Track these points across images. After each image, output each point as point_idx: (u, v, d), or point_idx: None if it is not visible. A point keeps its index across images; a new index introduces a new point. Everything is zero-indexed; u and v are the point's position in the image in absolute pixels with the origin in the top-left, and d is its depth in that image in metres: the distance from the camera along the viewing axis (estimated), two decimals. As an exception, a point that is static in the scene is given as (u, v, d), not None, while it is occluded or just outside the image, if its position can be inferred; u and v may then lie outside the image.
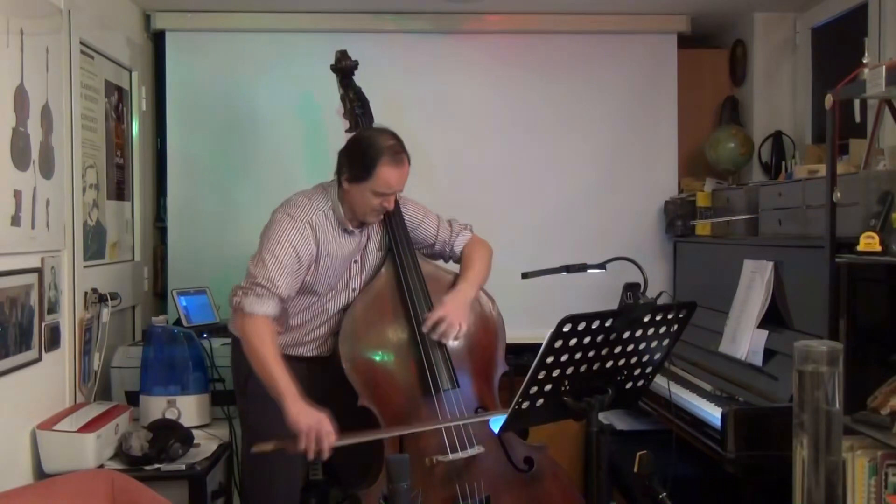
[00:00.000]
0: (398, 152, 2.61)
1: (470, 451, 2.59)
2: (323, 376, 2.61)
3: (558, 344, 1.99)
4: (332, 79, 3.04)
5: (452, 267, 2.90)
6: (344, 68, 3.01)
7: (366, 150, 2.61)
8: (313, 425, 2.41)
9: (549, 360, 2.01)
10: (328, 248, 2.67)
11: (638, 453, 2.22)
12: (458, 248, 2.89)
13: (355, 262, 2.77)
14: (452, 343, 2.73)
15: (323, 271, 2.69)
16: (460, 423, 2.62)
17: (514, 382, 3.56)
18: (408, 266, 2.75)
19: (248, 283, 2.58)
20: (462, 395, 2.68)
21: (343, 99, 3.01)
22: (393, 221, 2.78)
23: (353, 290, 2.78)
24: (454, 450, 2.58)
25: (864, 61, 2.50)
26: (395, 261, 2.76)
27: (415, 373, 2.67)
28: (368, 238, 2.79)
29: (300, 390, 2.48)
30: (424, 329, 2.66)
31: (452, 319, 2.65)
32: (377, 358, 2.68)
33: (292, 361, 2.71)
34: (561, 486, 2.70)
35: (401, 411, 2.63)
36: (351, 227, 2.71)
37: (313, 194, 2.72)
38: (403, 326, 2.71)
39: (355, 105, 2.98)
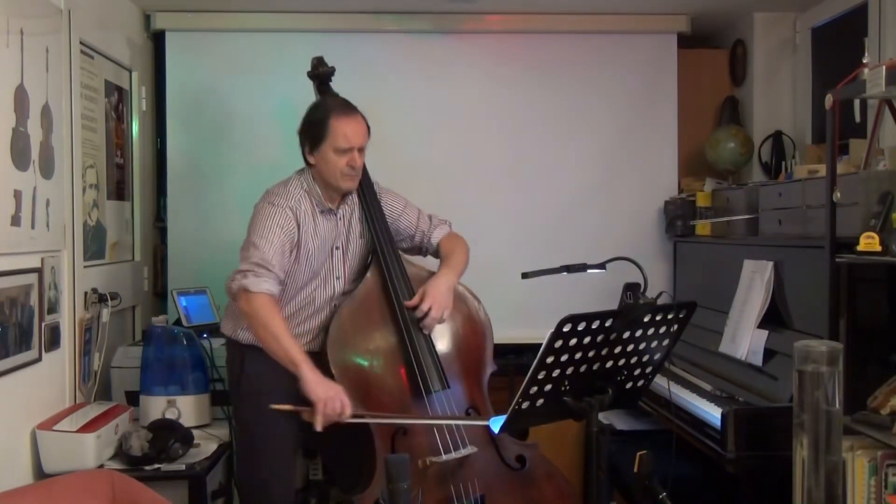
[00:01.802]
0: (347, 106, 2.71)
1: (462, 452, 2.60)
2: None
3: (558, 344, 1.99)
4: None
5: (435, 265, 2.90)
6: (321, 74, 3.03)
7: (315, 114, 2.73)
8: (331, 395, 2.48)
9: (549, 360, 2.01)
10: (309, 230, 2.71)
11: (638, 453, 2.22)
12: (435, 240, 2.92)
13: (337, 248, 2.79)
14: (441, 347, 2.75)
15: (304, 256, 2.71)
16: (470, 423, 2.63)
17: (514, 382, 3.57)
18: (393, 269, 2.77)
19: (245, 265, 2.62)
20: (452, 396, 2.69)
21: None
22: (373, 214, 2.81)
23: (338, 278, 2.80)
24: (447, 450, 2.59)
25: (864, 61, 2.50)
26: (380, 264, 2.78)
27: (404, 376, 2.68)
28: (350, 225, 2.81)
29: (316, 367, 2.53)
30: (418, 313, 2.68)
31: (438, 309, 2.68)
32: (366, 363, 2.69)
33: None
34: (555, 482, 2.70)
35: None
36: (330, 206, 2.75)
37: (289, 181, 2.79)
38: (391, 330, 2.72)
39: None
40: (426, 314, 2.68)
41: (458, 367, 2.77)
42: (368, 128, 2.73)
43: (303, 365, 2.51)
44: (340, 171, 2.68)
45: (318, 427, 2.47)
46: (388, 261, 2.77)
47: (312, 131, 2.71)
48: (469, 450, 2.61)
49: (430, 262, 2.94)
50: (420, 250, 2.96)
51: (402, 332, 2.70)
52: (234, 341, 2.82)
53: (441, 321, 2.73)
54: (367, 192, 2.84)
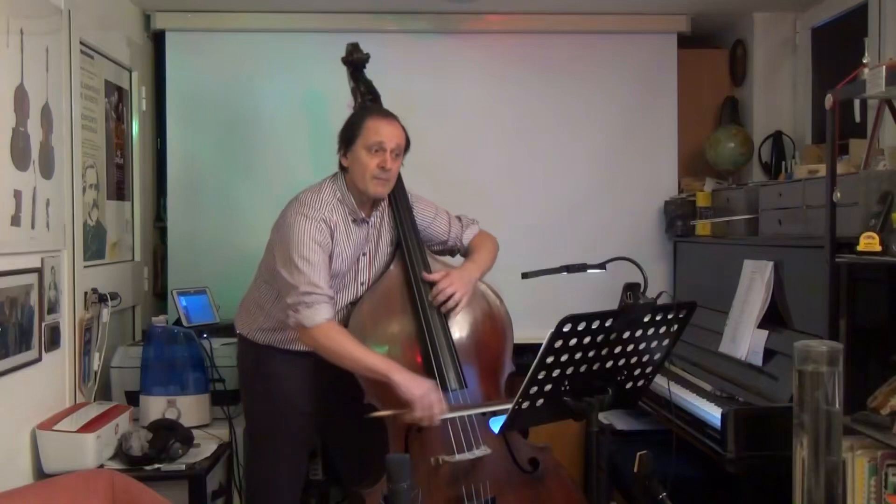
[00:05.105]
0: (386, 112, 2.71)
1: (476, 452, 2.57)
2: (330, 371, 2.61)
3: (558, 344, 1.98)
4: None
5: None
6: (355, 61, 3.00)
7: (353, 117, 2.72)
8: (427, 391, 2.46)
9: (549, 360, 2.01)
10: (341, 241, 2.67)
11: (638, 453, 2.22)
12: (466, 241, 2.93)
13: (364, 254, 2.77)
14: (460, 345, 2.72)
15: (334, 265, 2.68)
16: (489, 408, 2.61)
17: (514, 382, 3.57)
18: (417, 264, 2.75)
19: (294, 297, 2.55)
20: (469, 395, 2.67)
21: (354, 92, 3.00)
22: (403, 217, 2.79)
23: (362, 283, 2.78)
24: (461, 450, 2.56)
25: (864, 61, 2.50)
26: (403, 258, 2.76)
27: (422, 371, 2.65)
28: (380, 233, 2.80)
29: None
30: (436, 292, 2.68)
31: (458, 292, 2.68)
32: (383, 354, 2.67)
33: (300, 356, 2.71)
34: (565, 487, 2.68)
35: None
36: (363, 215, 2.71)
37: (322, 188, 2.72)
38: (411, 324, 2.70)
39: (366, 98, 2.97)
40: (446, 294, 2.67)
41: (476, 365, 2.74)
42: (408, 138, 2.70)
43: (393, 371, 2.48)
44: (371, 172, 2.61)
45: (424, 423, 2.47)
46: (413, 255, 2.75)
47: (347, 131, 2.68)
48: (483, 451, 2.58)
49: (457, 263, 2.94)
50: (451, 251, 2.96)
51: (423, 328, 2.67)
52: (249, 340, 2.81)
53: (458, 305, 2.70)
54: (399, 196, 2.81)
